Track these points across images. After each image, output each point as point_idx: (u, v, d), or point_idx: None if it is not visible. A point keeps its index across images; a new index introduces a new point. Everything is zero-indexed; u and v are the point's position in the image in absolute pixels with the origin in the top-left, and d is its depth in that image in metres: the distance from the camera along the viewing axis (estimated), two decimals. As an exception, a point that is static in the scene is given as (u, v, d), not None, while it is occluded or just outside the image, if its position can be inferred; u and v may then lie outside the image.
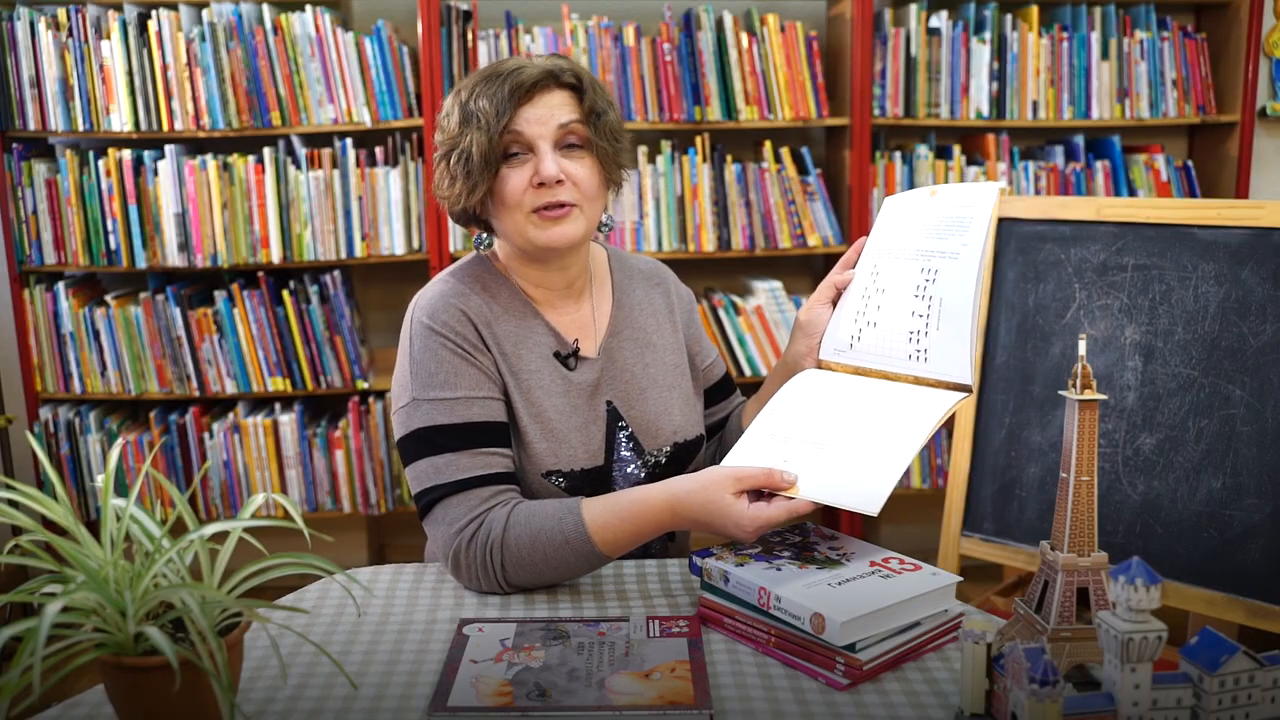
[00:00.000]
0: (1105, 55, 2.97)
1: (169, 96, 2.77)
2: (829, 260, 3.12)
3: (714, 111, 2.88)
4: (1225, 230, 1.78)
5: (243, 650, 0.95)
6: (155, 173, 2.80)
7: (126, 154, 2.79)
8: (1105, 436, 1.85)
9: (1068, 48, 2.95)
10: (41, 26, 2.73)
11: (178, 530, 0.92)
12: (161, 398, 2.90)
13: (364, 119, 2.82)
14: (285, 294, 2.85)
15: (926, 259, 1.24)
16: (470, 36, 2.81)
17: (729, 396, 1.60)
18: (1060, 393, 1.32)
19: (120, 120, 2.77)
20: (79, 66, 2.76)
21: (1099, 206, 1.93)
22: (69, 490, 2.94)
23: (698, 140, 2.91)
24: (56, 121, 2.78)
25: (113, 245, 2.82)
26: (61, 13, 2.76)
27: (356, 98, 2.81)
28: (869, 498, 1.10)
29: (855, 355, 1.29)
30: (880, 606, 1.04)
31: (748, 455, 1.23)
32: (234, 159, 2.81)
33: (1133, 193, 3.03)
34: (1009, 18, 2.95)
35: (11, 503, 0.89)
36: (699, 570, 1.17)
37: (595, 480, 1.37)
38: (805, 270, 3.26)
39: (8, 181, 2.79)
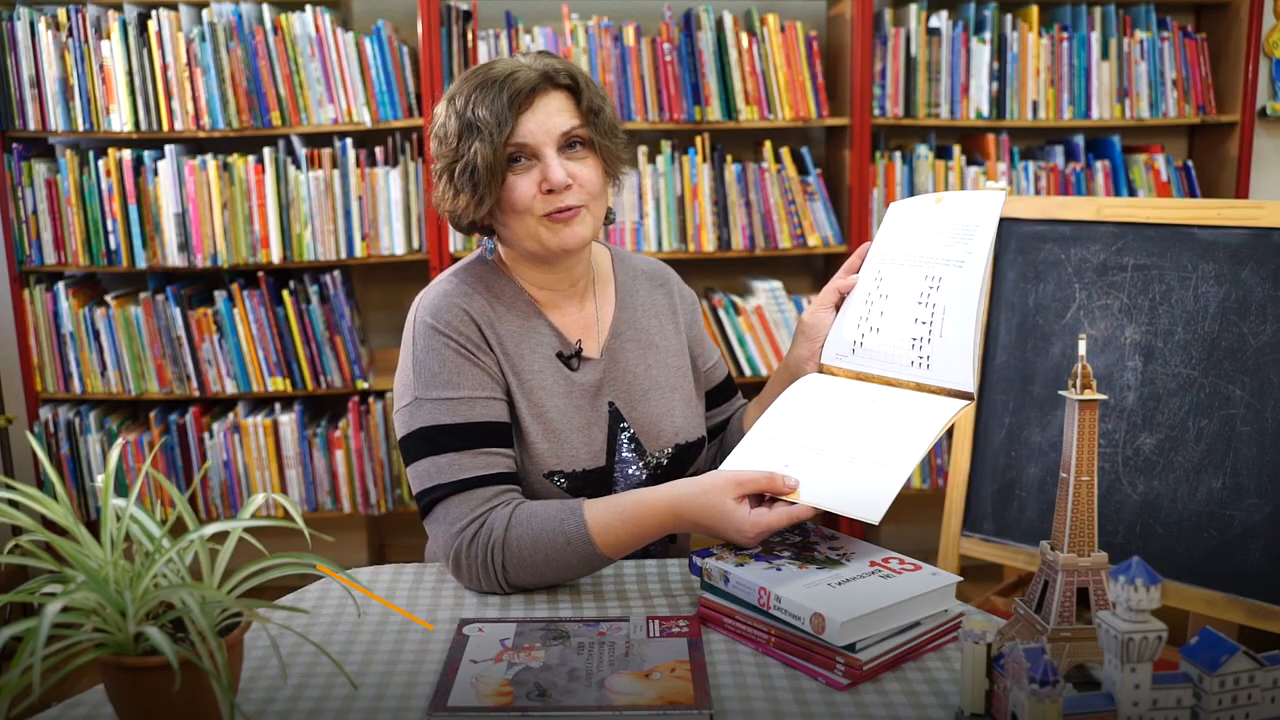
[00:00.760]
0: (1105, 55, 2.97)
1: (169, 96, 2.77)
2: (829, 260, 3.12)
3: (714, 111, 2.88)
4: (1225, 230, 1.78)
5: (243, 650, 0.95)
6: (155, 173, 2.80)
7: (126, 154, 2.79)
8: (1105, 436, 1.85)
9: (1068, 48, 2.95)
10: (41, 26, 2.73)
11: (178, 530, 0.92)
12: (161, 398, 2.90)
13: (364, 119, 2.82)
14: (285, 294, 2.85)
15: (930, 266, 1.24)
16: (470, 36, 2.81)
17: (731, 399, 1.60)
18: (1060, 393, 1.32)
19: (120, 120, 2.77)
20: (79, 66, 2.76)
21: (1099, 206, 1.93)
22: (69, 490, 2.94)
23: (698, 140, 2.91)
24: (56, 121, 2.78)
25: (113, 245, 2.82)
26: (61, 13, 2.76)
27: (356, 98, 2.81)
28: (870, 506, 1.10)
29: (857, 360, 1.29)
30: (880, 606, 1.04)
31: (748, 459, 1.23)
32: (234, 159, 2.81)
33: (1133, 193, 3.03)
34: (1009, 18, 2.95)
35: (11, 503, 0.89)
36: (699, 570, 1.17)
37: (597, 481, 1.37)
38: (805, 270, 3.26)
39: (8, 181, 2.79)
